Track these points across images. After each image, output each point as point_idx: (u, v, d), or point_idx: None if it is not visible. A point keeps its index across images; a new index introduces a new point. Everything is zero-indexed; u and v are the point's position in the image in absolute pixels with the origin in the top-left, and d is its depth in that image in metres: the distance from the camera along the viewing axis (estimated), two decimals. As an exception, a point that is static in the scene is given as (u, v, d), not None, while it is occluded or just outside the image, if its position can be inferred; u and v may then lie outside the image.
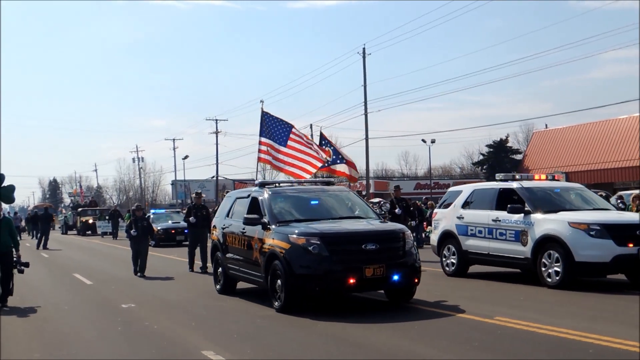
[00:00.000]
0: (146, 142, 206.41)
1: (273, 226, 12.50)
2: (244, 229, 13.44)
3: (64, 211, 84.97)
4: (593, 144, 47.75)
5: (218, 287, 14.96)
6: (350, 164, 20.17)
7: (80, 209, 56.53)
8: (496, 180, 15.57)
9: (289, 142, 19.88)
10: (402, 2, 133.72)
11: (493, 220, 14.78)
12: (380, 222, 12.94)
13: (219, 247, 14.78)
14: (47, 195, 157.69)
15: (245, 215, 13.06)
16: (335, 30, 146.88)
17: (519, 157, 65.57)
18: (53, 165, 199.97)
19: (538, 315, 10.83)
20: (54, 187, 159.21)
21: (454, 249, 15.83)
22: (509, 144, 74.88)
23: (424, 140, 72.12)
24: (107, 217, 48.78)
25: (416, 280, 12.13)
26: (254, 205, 13.53)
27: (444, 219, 16.34)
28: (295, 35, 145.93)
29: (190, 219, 20.05)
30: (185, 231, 33.18)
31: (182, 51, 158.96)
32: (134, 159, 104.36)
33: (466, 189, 16.33)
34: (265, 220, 12.73)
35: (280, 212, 12.95)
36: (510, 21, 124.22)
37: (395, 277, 11.76)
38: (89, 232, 51.35)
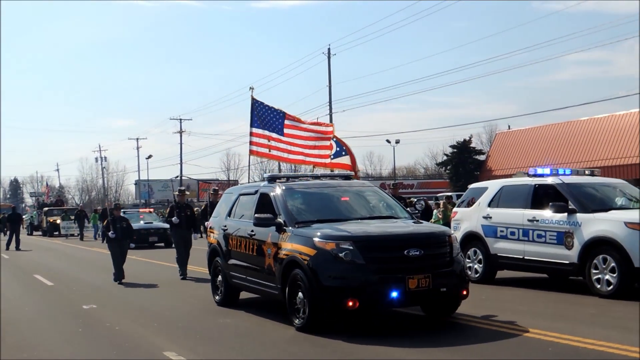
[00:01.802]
0: (109, 142, 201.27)
1: (290, 228, 10.12)
2: (252, 231, 11.02)
3: (28, 210, 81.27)
4: (556, 145, 47.16)
5: (217, 298, 12.48)
6: (352, 157, 17.80)
7: (46, 209, 52.93)
8: (529, 176, 13.31)
9: (285, 130, 17.45)
10: (368, 3, 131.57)
11: (529, 221, 12.53)
12: (414, 222, 10.62)
13: (219, 251, 12.29)
14: (8, 195, 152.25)
15: (256, 215, 10.60)
16: (300, 31, 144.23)
17: (482, 157, 64.31)
18: (13, 164, 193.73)
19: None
20: (14, 187, 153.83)
21: (479, 253, 13.53)
22: (472, 145, 73.67)
23: (388, 141, 70.35)
24: (72, 217, 45.68)
25: (465, 293, 9.83)
26: (264, 203, 11.13)
27: (466, 220, 13.99)
28: (260, 35, 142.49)
29: (173, 219, 17.45)
30: (169, 232, 32.13)
31: (146, 51, 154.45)
32: (96, 159, 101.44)
33: (493, 186, 14.02)
34: (281, 220, 10.34)
35: (298, 211, 10.56)
36: (475, 23, 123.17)
37: (443, 289, 9.45)
38: (57, 232, 47.93)
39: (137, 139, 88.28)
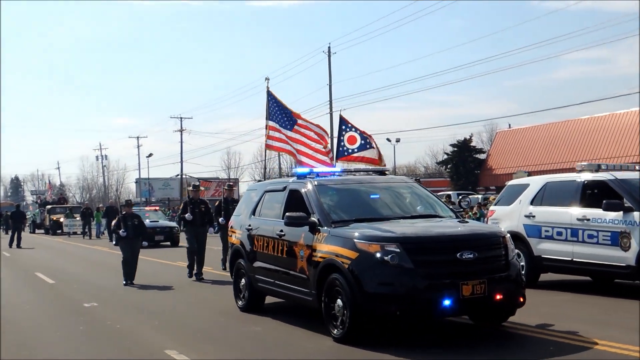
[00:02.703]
0: (110, 140, 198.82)
1: (326, 227, 9.10)
2: (281, 230, 9.99)
3: (31, 208, 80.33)
4: (555, 144, 46.74)
5: (240, 303, 11.44)
6: (379, 151, 16.76)
7: (49, 207, 51.79)
8: (576, 172, 12.24)
9: (295, 127, 16.45)
10: (367, 2, 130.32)
11: (578, 220, 11.47)
12: (460, 221, 9.59)
13: (243, 253, 11.26)
14: (9, 193, 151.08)
15: (287, 214, 9.55)
16: (300, 29, 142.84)
17: (482, 156, 63.60)
18: (14, 162, 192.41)
19: None
20: (15, 185, 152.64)
21: (521, 255, 12.43)
22: (472, 144, 72.91)
23: (388, 139, 69.16)
24: (75, 215, 44.65)
25: (521, 300, 8.80)
26: (294, 201, 10.12)
27: (506, 219, 12.87)
28: (261, 34, 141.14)
29: (186, 215, 16.39)
30: (175, 230, 31.39)
31: (146, 49, 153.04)
32: (97, 157, 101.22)
33: (535, 182, 12.94)
34: (315, 219, 9.32)
35: (333, 209, 9.53)
36: (474, 21, 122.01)
37: (499, 297, 8.42)
38: (60, 230, 46.79)
39: (138, 137, 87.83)
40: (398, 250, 8.19)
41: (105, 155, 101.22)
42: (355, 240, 8.49)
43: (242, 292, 11.40)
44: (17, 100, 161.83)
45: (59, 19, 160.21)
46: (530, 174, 49.88)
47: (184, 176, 79.94)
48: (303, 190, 9.97)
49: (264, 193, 11.27)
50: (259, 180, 20.75)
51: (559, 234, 11.76)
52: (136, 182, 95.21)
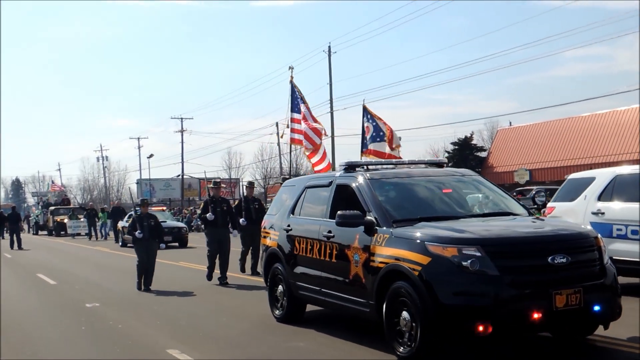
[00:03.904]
0: (111, 142, 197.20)
1: (385, 228, 7.79)
2: (329, 231, 8.69)
3: (34, 210, 79.13)
4: (556, 142, 46.13)
5: (277, 312, 10.12)
6: (390, 141, 15.48)
7: (52, 208, 50.50)
8: None
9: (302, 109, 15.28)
10: (367, 2, 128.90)
11: None
12: (538, 220, 8.28)
13: (281, 257, 9.95)
14: (10, 195, 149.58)
15: (339, 212, 8.18)
16: (300, 29, 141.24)
17: (483, 154, 62.65)
18: (15, 165, 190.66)
19: None
20: (16, 187, 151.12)
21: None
22: (473, 142, 71.92)
23: (390, 138, 68.01)
24: (79, 217, 43.40)
25: (618, 310, 7.48)
26: (343, 198, 8.83)
27: (568, 216, 11.47)
28: (261, 34, 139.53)
29: (208, 215, 15.06)
30: (183, 231, 30.17)
31: (146, 50, 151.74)
32: (98, 158, 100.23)
33: (602, 175, 11.59)
34: (371, 218, 8.01)
35: (393, 206, 8.21)
36: (474, 20, 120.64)
37: (597, 308, 7.11)
38: (63, 232, 45.43)
39: (139, 138, 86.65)
40: (479, 254, 6.89)
41: (106, 157, 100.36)
42: (426, 242, 7.18)
43: (279, 300, 10.10)
44: (17, 101, 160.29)
45: (59, 19, 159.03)
46: (531, 172, 49.35)
47: (185, 176, 78.97)
48: (354, 185, 8.67)
49: (304, 189, 9.94)
50: (251, 181, 19.41)
51: (635, 232, 10.42)
52: (137, 183, 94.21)
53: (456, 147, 66.52)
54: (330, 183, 9.22)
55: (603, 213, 10.98)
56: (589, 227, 7.90)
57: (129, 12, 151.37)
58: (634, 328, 8.38)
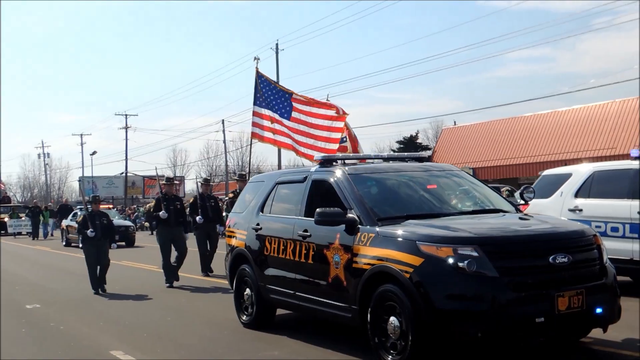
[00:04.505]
0: (52, 138, 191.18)
1: (369, 226, 7.13)
2: (305, 230, 7.97)
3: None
4: (499, 140, 46.55)
5: (245, 317, 9.34)
6: (354, 143, 14.77)
7: (-8, 206, 48.47)
8: (631, 158, 10.44)
9: (293, 114, 14.26)
10: (314, 1, 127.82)
11: None
12: (526, 216, 7.72)
13: (249, 258, 9.17)
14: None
15: (319, 210, 7.46)
16: (248, 26, 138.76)
17: (428, 153, 62.90)
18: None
19: None
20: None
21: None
22: (418, 140, 72.41)
23: (334, 136, 67.70)
24: (21, 215, 41.69)
25: (618, 312, 6.95)
26: (320, 194, 8.16)
27: (544, 213, 10.99)
28: (208, 30, 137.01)
29: (161, 213, 14.11)
30: (130, 229, 28.99)
31: (90, 46, 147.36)
32: (39, 155, 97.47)
33: (578, 171, 11.11)
34: (354, 216, 7.32)
35: (377, 203, 7.54)
36: (419, 20, 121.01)
37: (598, 310, 6.57)
38: (3, 231, 43.48)
39: (81, 134, 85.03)
40: (476, 254, 6.27)
41: (48, 153, 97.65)
42: (418, 242, 6.53)
43: (246, 304, 9.33)
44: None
45: (1, 13, 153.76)
46: (474, 170, 49.64)
47: (129, 174, 77.39)
48: (332, 180, 7.97)
49: (275, 185, 9.19)
50: (207, 178, 18.60)
51: (615, 229, 9.98)
52: (79, 181, 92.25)
53: (402, 145, 66.79)
54: (305, 178, 8.50)
55: (581, 210, 10.52)
56: (585, 226, 7.35)
57: (74, 7, 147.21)
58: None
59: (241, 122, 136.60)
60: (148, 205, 53.46)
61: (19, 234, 41.39)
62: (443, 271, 6.32)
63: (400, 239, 6.73)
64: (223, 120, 65.53)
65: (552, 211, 10.74)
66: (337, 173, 8.00)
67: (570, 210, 10.60)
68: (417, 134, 72.50)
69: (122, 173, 77.27)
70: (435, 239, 6.50)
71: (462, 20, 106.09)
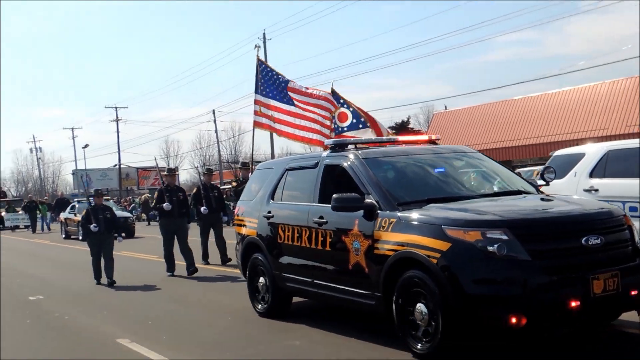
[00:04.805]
0: (44, 132, 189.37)
1: (389, 211, 6.82)
2: (321, 217, 7.66)
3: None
4: (490, 124, 46.49)
5: (260, 306, 9.03)
6: (376, 128, 14.32)
7: (-14, 201, 48.04)
8: None
9: (295, 102, 13.88)
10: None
11: None
12: (550, 198, 7.41)
13: (262, 246, 8.85)
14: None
15: (335, 196, 7.14)
16: (236, 16, 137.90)
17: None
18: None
19: None
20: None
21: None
22: (410, 126, 72.36)
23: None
24: (17, 209, 41.29)
25: None
26: (333, 179, 7.88)
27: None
28: (196, 21, 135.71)
29: (164, 205, 13.77)
30: (130, 221, 28.58)
31: (77, 40, 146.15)
32: (31, 150, 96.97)
33: (592, 151, 10.81)
34: (372, 200, 7.00)
35: (395, 187, 7.23)
36: (408, 6, 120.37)
37: (634, 292, 6.28)
38: (1, 225, 42.96)
39: (72, 128, 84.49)
40: (506, 237, 5.98)
41: (40, 148, 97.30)
42: (444, 226, 6.23)
43: (261, 293, 9.03)
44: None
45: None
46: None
47: (122, 166, 76.99)
48: (346, 165, 7.65)
49: (284, 172, 8.86)
50: (210, 168, 18.21)
51: (634, 209, 9.68)
52: (73, 174, 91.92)
53: (393, 131, 66.50)
54: (317, 164, 8.17)
55: (597, 190, 10.23)
56: (614, 206, 7.05)
57: (61, 2, 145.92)
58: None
59: (232, 112, 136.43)
60: (144, 196, 53.20)
61: (17, 227, 41.03)
62: (472, 256, 6.03)
63: (424, 224, 6.42)
64: (214, 110, 65.10)
65: (566, 192, 10.41)
66: (351, 157, 7.68)
67: (586, 190, 10.31)
68: (408, 119, 72.40)
69: (116, 165, 76.93)
70: (462, 223, 6.20)
71: (451, 5, 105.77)
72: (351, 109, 14.23)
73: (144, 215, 44.22)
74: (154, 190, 69.62)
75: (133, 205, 48.59)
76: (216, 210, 15.13)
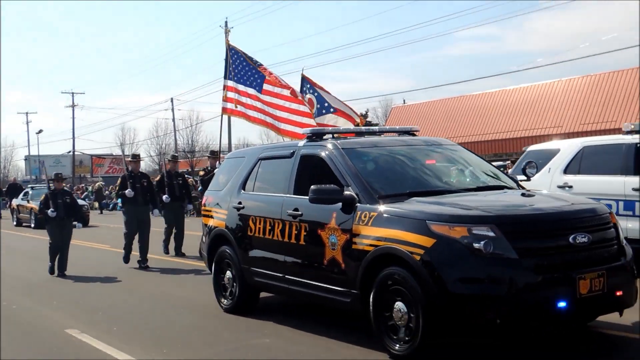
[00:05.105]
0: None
1: (369, 205, 6.49)
2: (295, 209, 7.29)
3: None
4: (448, 119, 46.73)
5: (226, 302, 8.61)
6: (342, 114, 13.99)
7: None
8: (623, 132, 9.97)
9: (265, 86, 13.45)
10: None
11: (635, 190, 9.27)
12: (533, 193, 7.14)
13: (231, 238, 8.42)
14: None
15: (314, 187, 6.79)
16: (198, 3, 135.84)
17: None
18: None
19: None
20: None
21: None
22: (368, 119, 72.30)
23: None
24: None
25: (635, 294, 6.45)
26: (310, 170, 7.48)
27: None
28: (158, 6, 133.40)
29: (127, 191, 13.19)
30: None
31: (36, 22, 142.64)
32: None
33: (567, 146, 10.60)
34: (352, 193, 6.66)
35: (376, 179, 6.89)
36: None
37: (618, 293, 6.06)
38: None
39: (27, 113, 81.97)
40: (493, 234, 5.69)
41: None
42: (428, 221, 5.92)
43: (227, 288, 8.61)
44: None
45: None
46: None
47: (76, 153, 75.48)
48: (324, 155, 7.30)
49: (257, 161, 8.45)
50: (175, 155, 17.57)
51: (608, 207, 9.47)
52: (25, 160, 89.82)
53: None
54: (293, 154, 7.78)
55: (571, 187, 10.04)
56: (599, 203, 6.83)
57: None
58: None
59: (190, 101, 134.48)
60: (97, 184, 52.08)
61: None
62: (457, 253, 5.73)
63: (407, 218, 6.10)
64: (172, 99, 64.16)
65: (540, 188, 10.21)
66: (330, 147, 7.32)
67: (560, 187, 10.11)
68: (367, 112, 72.40)
69: (70, 152, 75.35)
70: (447, 218, 5.89)
71: None
72: (316, 94, 13.88)
73: (96, 204, 43.34)
74: (108, 178, 68.15)
75: (86, 193, 47.48)
76: (179, 199, 14.64)
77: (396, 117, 54.96)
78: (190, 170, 57.47)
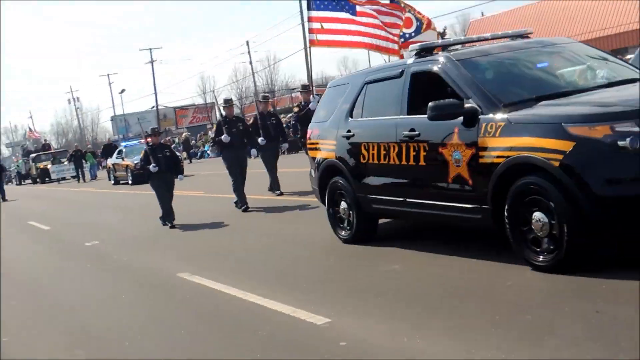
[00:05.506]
0: (80, 82, 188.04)
1: (492, 115, 6.04)
2: (411, 129, 6.92)
3: (15, 160, 76.71)
4: (534, 25, 44.85)
5: (344, 233, 8.37)
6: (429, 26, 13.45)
7: (34, 155, 47.90)
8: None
9: (358, 8, 12.98)
10: None
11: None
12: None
13: (343, 169, 8.12)
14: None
15: (431, 104, 6.38)
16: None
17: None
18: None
19: None
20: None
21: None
22: (447, 37, 70.34)
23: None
24: (62, 160, 41.17)
25: None
26: (422, 88, 7.06)
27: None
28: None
29: (223, 137, 13.06)
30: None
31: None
32: (69, 100, 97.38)
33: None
34: (473, 105, 6.23)
35: (497, 87, 6.43)
36: None
37: None
38: (48, 178, 42.83)
39: (108, 74, 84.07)
40: (639, 129, 5.19)
41: (77, 98, 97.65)
42: (564, 124, 5.46)
43: (344, 219, 8.36)
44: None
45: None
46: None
47: (159, 107, 76.53)
48: (437, 69, 6.86)
49: (363, 86, 8.06)
50: (266, 95, 17.22)
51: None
52: (112, 120, 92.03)
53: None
54: (402, 73, 7.34)
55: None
56: None
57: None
58: None
59: (265, 42, 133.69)
60: (183, 134, 52.78)
61: (63, 179, 40.92)
62: (600, 153, 5.28)
63: (540, 124, 5.67)
64: (247, 42, 63.96)
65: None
66: (442, 60, 6.87)
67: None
68: (444, 29, 70.28)
69: (153, 107, 76.25)
70: (585, 118, 5.43)
71: None
72: (413, 13, 13.33)
73: (185, 154, 43.99)
74: (193, 128, 68.49)
75: (174, 145, 48.29)
76: (275, 139, 14.38)
77: (476, 32, 53.36)
78: (273, 110, 57.45)
